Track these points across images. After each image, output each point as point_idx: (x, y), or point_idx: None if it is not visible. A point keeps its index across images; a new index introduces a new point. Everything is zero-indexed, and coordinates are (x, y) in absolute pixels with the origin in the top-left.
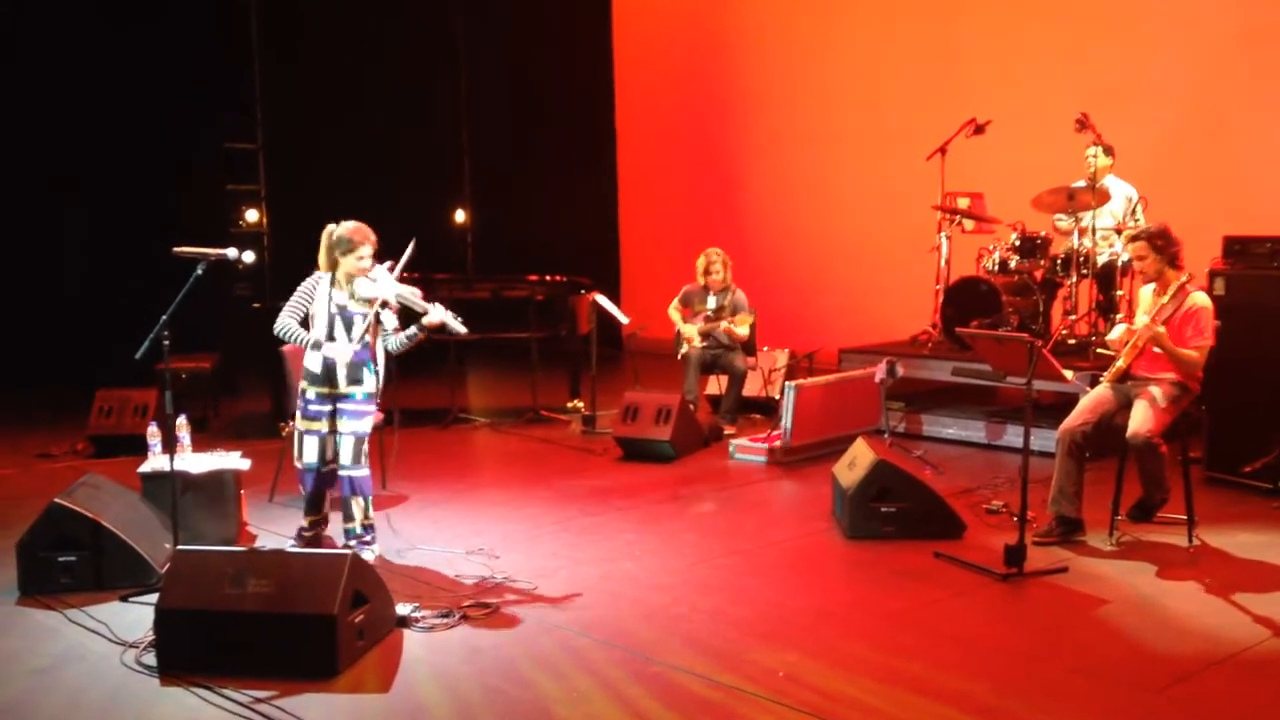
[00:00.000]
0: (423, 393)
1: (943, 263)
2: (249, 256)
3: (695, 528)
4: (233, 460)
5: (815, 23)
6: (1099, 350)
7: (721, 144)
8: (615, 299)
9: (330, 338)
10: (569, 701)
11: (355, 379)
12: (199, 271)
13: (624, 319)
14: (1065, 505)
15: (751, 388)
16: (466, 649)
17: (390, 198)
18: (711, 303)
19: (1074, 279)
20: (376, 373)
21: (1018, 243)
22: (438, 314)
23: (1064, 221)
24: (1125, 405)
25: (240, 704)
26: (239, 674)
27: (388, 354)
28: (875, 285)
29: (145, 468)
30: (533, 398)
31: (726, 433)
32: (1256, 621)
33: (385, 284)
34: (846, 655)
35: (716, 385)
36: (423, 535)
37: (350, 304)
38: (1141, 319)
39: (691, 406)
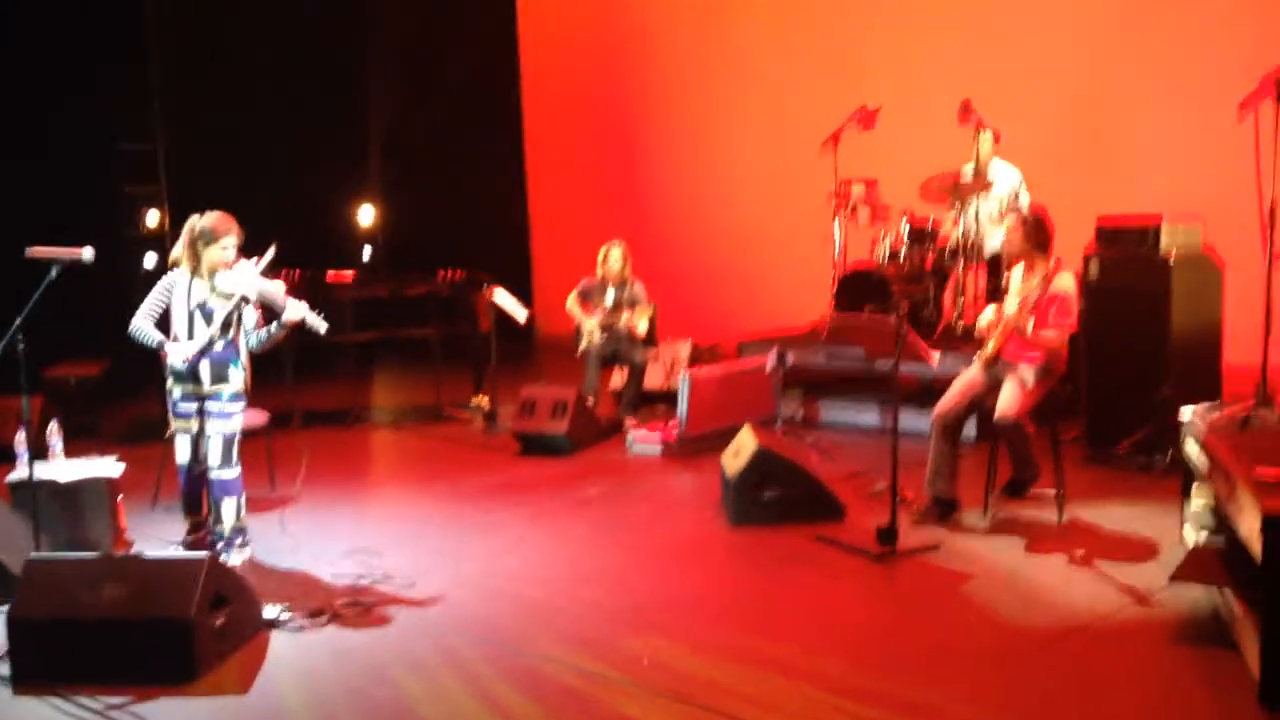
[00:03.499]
0: (324, 393)
1: (837, 253)
2: (88, 254)
3: (584, 521)
4: (106, 466)
5: (719, 12)
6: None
7: (628, 136)
8: (526, 293)
9: (190, 335)
10: (432, 699)
11: (220, 377)
12: (52, 275)
13: (522, 315)
14: (941, 486)
15: (654, 380)
16: (334, 650)
17: (295, 196)
18: (610, 296)
19: (960, 266)
20: (243, 370)
21: (908, 231)
22: (297, 311)
23: (951, 213)
24: (995, 387)
25: (95, 711)
26: (97, 681)
27: (264, 352)
28: (777, 275)
29: (12, 476)
30: (436, 396)
31: (626, 425)
32: (1120, 590)
33: (247, 278)
34: (714, 640)
35: (620, 378)
36: (305, 536)
37: (210, 298)
38: (1012, 301)
39: (591, 400)
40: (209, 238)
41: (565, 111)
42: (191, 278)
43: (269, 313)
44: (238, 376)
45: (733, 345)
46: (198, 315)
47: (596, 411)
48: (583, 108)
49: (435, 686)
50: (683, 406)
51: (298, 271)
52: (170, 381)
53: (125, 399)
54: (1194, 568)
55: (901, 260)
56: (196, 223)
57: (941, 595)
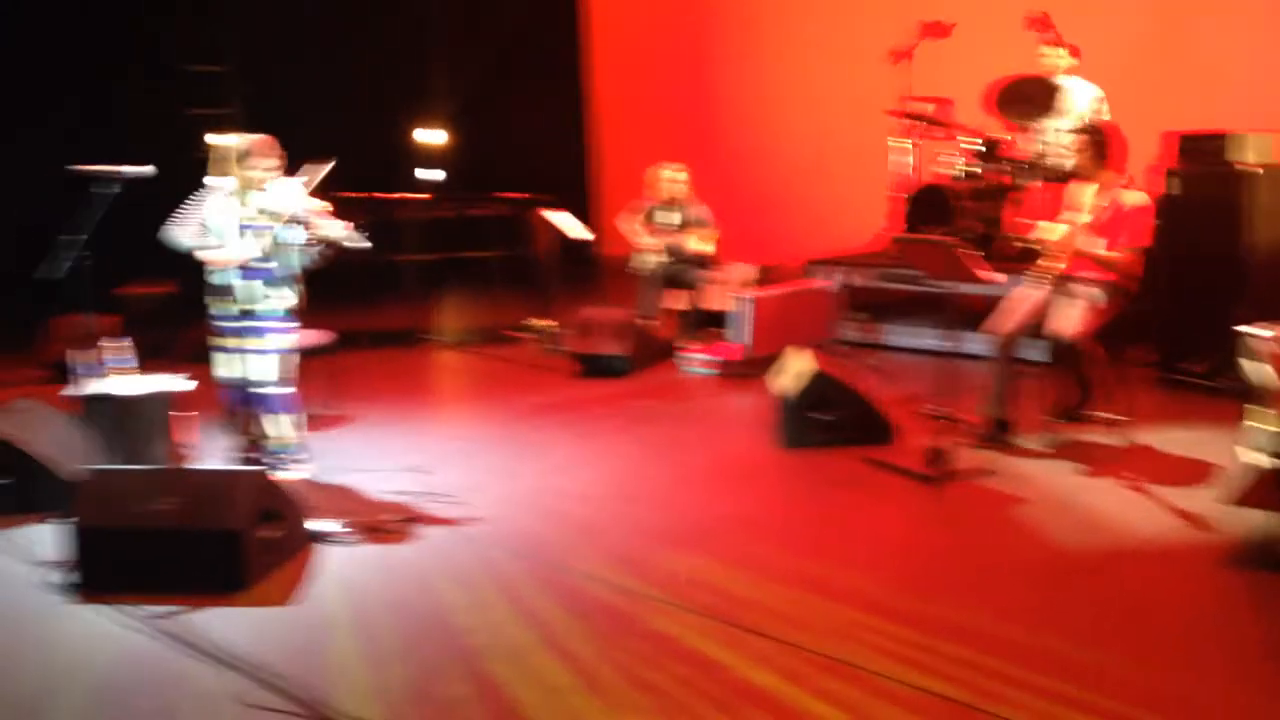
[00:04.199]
0: (389, 314)
1: (905, 171)
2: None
3: (635, 440)
4: (173, 383)
5: None
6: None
7: (693, 57)
8: (589, 216)
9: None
10: (471, 609)
11: (265, 295)
12: (114, 191)
13: (579, 232)
14: (999, 408)
15: (716, 302)
16: (380, 563)
17: (360, 120)
18: (672, 218)
19: (1038, 184)
20: (293, 289)
21: (980, 149)
22: (335, 230)
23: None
24: (1059, 307)
25: (142, 619)
26: (149, 591)
27: (316, 270)
28: (844, 195)
29: (77, 391)
30: (497, 317)
31: (685, 347)
32: (1174, 514)
33: (289, 198)
34: (756, 560)
35: (680, 300)
36: (360, 454)
37: (253, 217)
38: (1082, 218)
39: (650, 321)
40: (248, 158)
41: (630, 33)
42: (233, 195)
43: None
44: (284, 295)
45: (797, 267)
46: (239, 232)
47: (656, 333)
48: (648, 28)
49: (475, 598)
50: (745, 328)
51: (354, 192)
52: (211, 298)
53: (200, 319)
54: (1250, 492)
55: (973, 178)
56: (238, 143)
57: (991, 518)
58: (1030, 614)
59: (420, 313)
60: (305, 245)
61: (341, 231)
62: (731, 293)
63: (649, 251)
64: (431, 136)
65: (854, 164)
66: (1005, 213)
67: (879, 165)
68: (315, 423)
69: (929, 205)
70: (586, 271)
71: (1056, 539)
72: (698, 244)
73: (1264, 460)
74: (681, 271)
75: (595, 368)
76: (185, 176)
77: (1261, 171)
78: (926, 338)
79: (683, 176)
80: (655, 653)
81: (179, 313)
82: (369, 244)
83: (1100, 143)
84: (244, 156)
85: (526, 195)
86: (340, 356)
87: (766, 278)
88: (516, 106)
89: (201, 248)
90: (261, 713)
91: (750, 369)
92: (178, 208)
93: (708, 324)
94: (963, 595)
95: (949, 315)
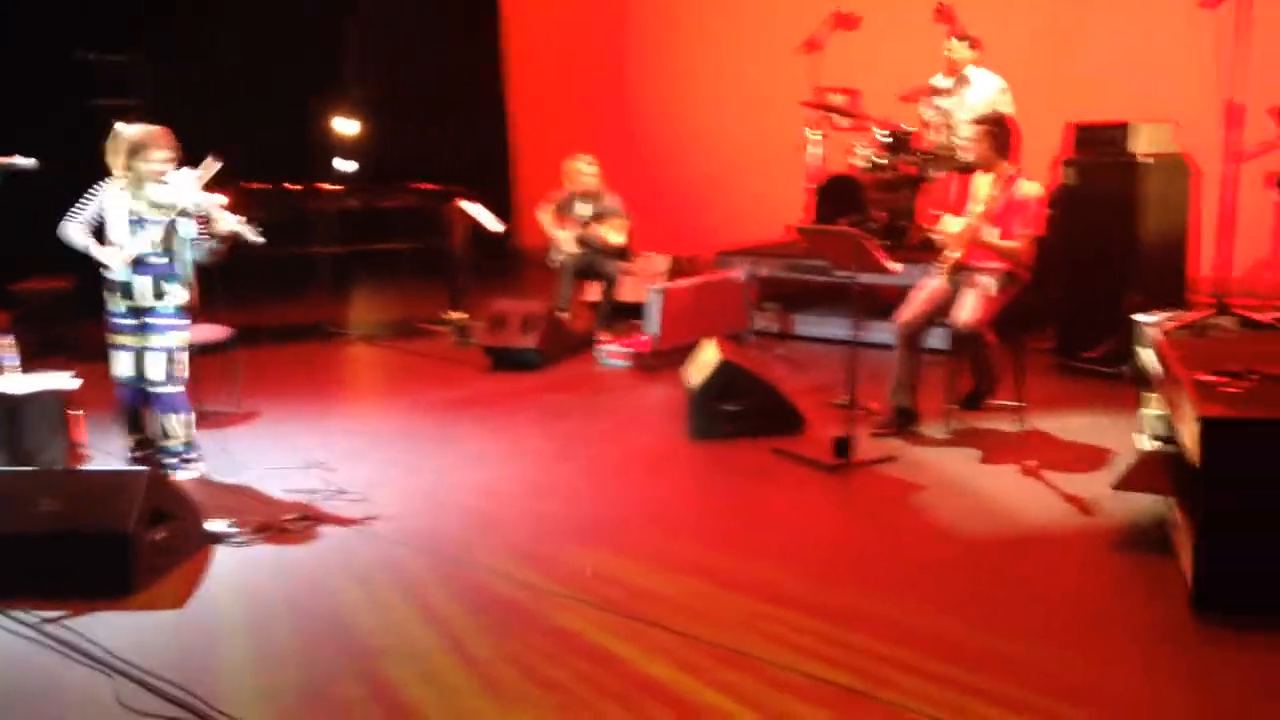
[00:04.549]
0: (298, 307)
1: (815, 163)
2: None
3: (545, 434)
4: (60, 380)
5: None
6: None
7: (610, 49)
8: (506, 208)
9: (120, 245)
10: (369, 609)
11: (159, 291)
12: None
13: (492, 224)
14: (902, 397)
15: (630, 294)
16: (277, 564)
17: (271, 110)
18: (585, 209)
19: (942, 174)
20: (185, 284)
21: (887, 139)
22: (229, 223)
23: (929, 114)
24: (959, 296)
25: (31, 625)
26: (34, 596)
27: (210, 265)
28: (757, 186)
29: None
30: (410, 310)
31: (600, 339)
32: (1067, 500)
33: (181, 190)
34: (662, 553)
35: (595, 292)
36: (261, 451)
37: (144, 210)
38: (975, 209)
39: (564, 314)
40: (140, 150)
41: (547, 24)
42: (125, 188)
43: (209, 226)
44: (177, 291)
45: (711, 258)
46: (131, 226)
47: (571, 325)
48: (565, 18)
49: (374, 597)
50: (655, 320)
51: (261, 183)
52: (106, 294)
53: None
54: (1139, 476)
55: (879, 169)
56: (127, 133)
57: (892, 506)
58: (927, 601)
59: (332, 306)
60: (199, 239)
61: (236, 225)
62: (647, 284)
63: (564, 243)
64: (349, 127)
65: (769, 155)
66: (914, 203)
67: (794, 156)
68: (216, 420)
69: (840, 196)
70: (504, 264)
71: (954, 526)
72: (612, 235)
73: (1154, 445)
74: (596, 263)
75: (507, 361)
76: (88, 169)
77: (1153, 161)
78: (835, 327)
79: (593, 169)
80: (555, 648)
81: (75, 308)
82: (263, 239)
83: (996, 134)
84: (138, 149)
85: (440, 186)
86: (246, 352)
87: (682, 268)
88: (435, 97)
89: (93, 245)
90: (145, 718)
91: (662, 360)
92: (76, 201)
93: (623, 316)
94: (862, 583)
95: (857, 305)
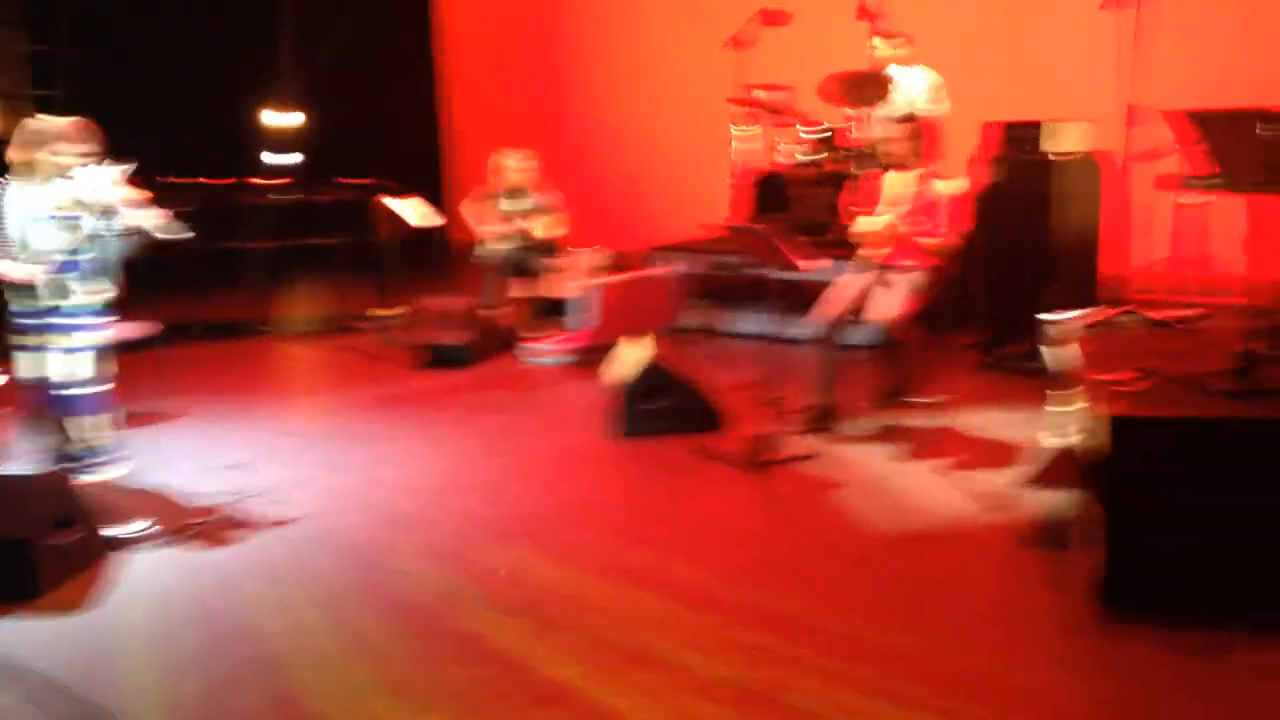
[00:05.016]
0: (228, 303)
1: (746, 159)
2: None
3: (470, 432)
4: None
5: None
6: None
7: (544, 42)
8: (439, 202)
9: (23, 246)
10: (277, 612)
11: (69, 290)
12: None
13: (415, 219)
14: (824, 393)
15: (560, 290)
16: (189, 566)
17: (202, 104)
18: (512, 205)
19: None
20: (106, 282)
21: (812, 136)
22: (147, 220)
23: (852, 112)
24: (877, 293)
25: None
26: None
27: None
28: (688, 183)
29: None
30: (340, 306)
31: (528, 336)
32: (978, 496)
33: (95, 187)
34: (578, 550)
35: (524, 288)
36: (182, 452)
37: (62, 207)
38: (893, 207)
39: (495, 310)
40: (48, 143)
41: (481, 17)
42: (26, 184)
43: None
44: (95, 289)
45: (641, 253)
46: (35, 224)
47: (500, 321)
48: (498, 12)
49: (284, 600)
50: (585, 316)
51: (187, 178)
52: (8, 293)
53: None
54: (1048, 472)
55: (809, 166)
56: (46, 126)
57: (808, 504)
58: (838, 599)
59: (261, 302)
60: (119, 236)
61: (156, 221)
62: (576, 280)
63: (494, 239)
64: (281, 119)
65: (701, 151)
66: (840, 200)
67: (725, 152)
68: (137, 420)
69: (768, 192)
70: (435, 259)
71: (867, 523)
72: (544, 230)
73: (1059, 442)
74: (527, 259)
75: (436, 358)
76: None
77: (1068, 159)
78: (762, 324)
79: (529, 164)
80: (461, 652)
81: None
82: (189, 234)
83: (918, 131)
84: (53, 140)
85: (370, 181)
86: (171, 349)
87: (613, 264)
88: (367, 90)
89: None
90: None
91: (592, 357)
92: None
93: (553, 312)
94: (775, 582)
95: (782, 302)
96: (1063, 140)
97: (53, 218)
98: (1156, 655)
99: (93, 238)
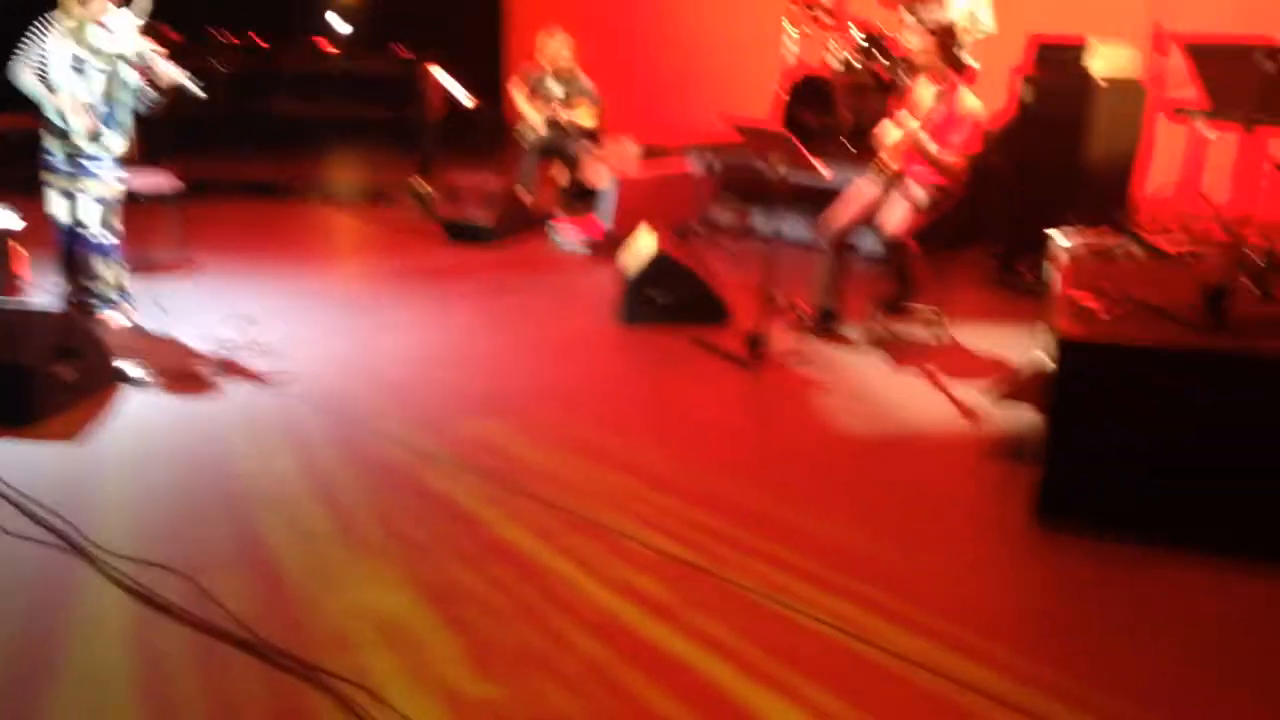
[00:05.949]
0: (264, 165)
1: (793, 59)
2: None
3: (478, 309)
4: (4, 218)
5: None
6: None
7: None
8: (495, 82)
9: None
10: (253, 457)
11: (96, 138)
12: None
13: (465, 97)
14: (828, 298)
15: (595, 177)
16: (178, 410)
17: None
18: (556, 88)
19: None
20: (124, 133)
21: (863, 41)
22: (171, 73)
23: (910, 19)
24: (889, 203)
25: None
26: None
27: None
28: (731, 80)
29: None
30: (379, 176)
31: (558, 219)
32: (954, 407)
33: (122, 37)
34: (554, 429)
35: (561, 172)
36: (193, 303)
37: (88, 56)
38: (912, 119)
39: (525, 192)
40: None
41: None
42: (68, 32)
43: (151, 76)
44: (115, 139)
45: (677, 147)
46: (74, 71)
47: (531, 204)
48: None
49: (261, 447)
50: (610, 206)
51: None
52: (44, 135)
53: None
54: (1017, 388)
55: (852, 71)
56: None
57: (791, 403)
58: (794, 495)
59: (297, 167)
60: (141, 89)
61: (178, 77)
62: (611, 168)
63: (533, 121)
64: None
65: (749, 47)
66: (884, 108)
67: (768, 49)
68: (155, 269)
69: (810, 94)
70: (483, 136)
71: (843, 426)
72: (581, 117)
73: (1042, 359)
74: (563, 144)
75: (461, 234)
76: (33, 6)
77: (1105, 85)
78: (792, 226)
79: (556, 44)
80: (421, 508)
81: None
82: (201, 93)
83: (948, 45)
84: None
85: (416, 54)
86: (199, 206)
87: (649, 156)
88: None
89: (50, 98)
90: (21, 539)
91: (615, 245)
92: (19, 41)
93: (586, 197)
94: (739, 475)
95: (813, 206)
96: (1102, 62)
97: (83, 65)
98: (1083, 567)
99: (122, 89)
